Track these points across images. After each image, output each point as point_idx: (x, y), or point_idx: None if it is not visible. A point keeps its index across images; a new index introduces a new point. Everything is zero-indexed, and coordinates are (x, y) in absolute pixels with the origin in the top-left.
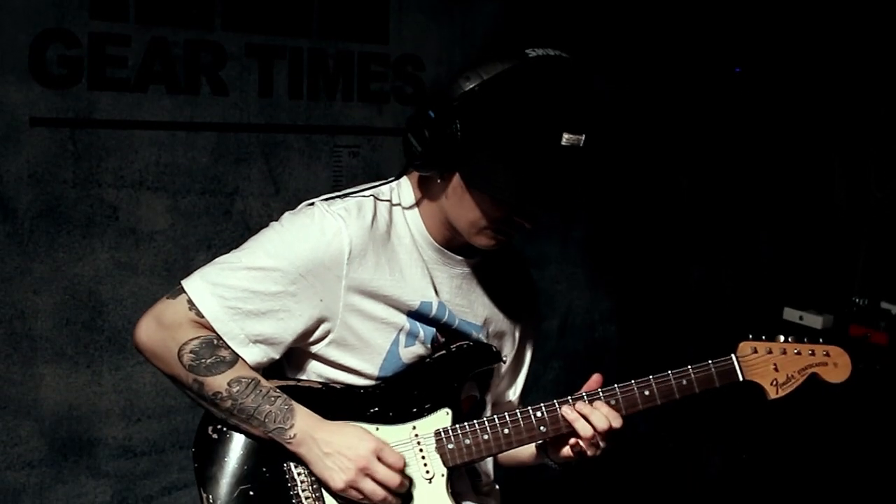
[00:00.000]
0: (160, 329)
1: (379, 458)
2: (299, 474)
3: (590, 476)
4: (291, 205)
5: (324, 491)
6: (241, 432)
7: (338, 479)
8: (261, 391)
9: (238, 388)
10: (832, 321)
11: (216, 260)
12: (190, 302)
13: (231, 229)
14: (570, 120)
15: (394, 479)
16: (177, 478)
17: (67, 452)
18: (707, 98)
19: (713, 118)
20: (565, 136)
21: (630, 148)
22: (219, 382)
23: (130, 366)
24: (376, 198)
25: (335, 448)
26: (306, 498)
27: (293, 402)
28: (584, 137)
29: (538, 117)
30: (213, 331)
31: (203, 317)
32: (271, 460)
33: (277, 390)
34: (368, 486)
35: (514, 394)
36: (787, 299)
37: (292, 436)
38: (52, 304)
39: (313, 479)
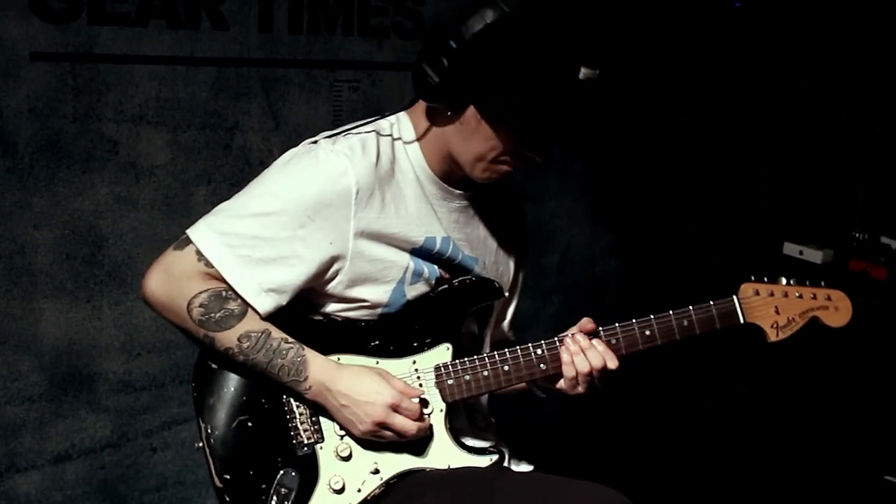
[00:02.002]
0: (169, 282)
1: (396, 410)
2: (297, 406)
3: (587, 412)
4: (291, 139)
5: (322, 424)
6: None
7: (356, 431)
8: (271, 345)
9: (248, 343)
10: (832, 256)
11: (220, 207)
12: (198, 253)
13: (231, 164)
14: (588, 55)
15: (410, 428)
16: (177, 412)
17: (67, 387)
18: (707, 33)
19: (714, 53)
20: (583, 70)
21: (632, 83)
22: (229, 338)
23: (130, 300)
24: (378, 133)
25: (352, 401)
26: (304, 430)
27: (306, 353)
28: (598, 72)
29: (559, 51)
30: (223, 281)
31: (212, 267)
32: (270, 392)
33: (289, 340)
34: (387, 434)
35: (506, 324)
36: (787, 234)
37: (307, 387)
38: (51, 238)
39: (312, 412)
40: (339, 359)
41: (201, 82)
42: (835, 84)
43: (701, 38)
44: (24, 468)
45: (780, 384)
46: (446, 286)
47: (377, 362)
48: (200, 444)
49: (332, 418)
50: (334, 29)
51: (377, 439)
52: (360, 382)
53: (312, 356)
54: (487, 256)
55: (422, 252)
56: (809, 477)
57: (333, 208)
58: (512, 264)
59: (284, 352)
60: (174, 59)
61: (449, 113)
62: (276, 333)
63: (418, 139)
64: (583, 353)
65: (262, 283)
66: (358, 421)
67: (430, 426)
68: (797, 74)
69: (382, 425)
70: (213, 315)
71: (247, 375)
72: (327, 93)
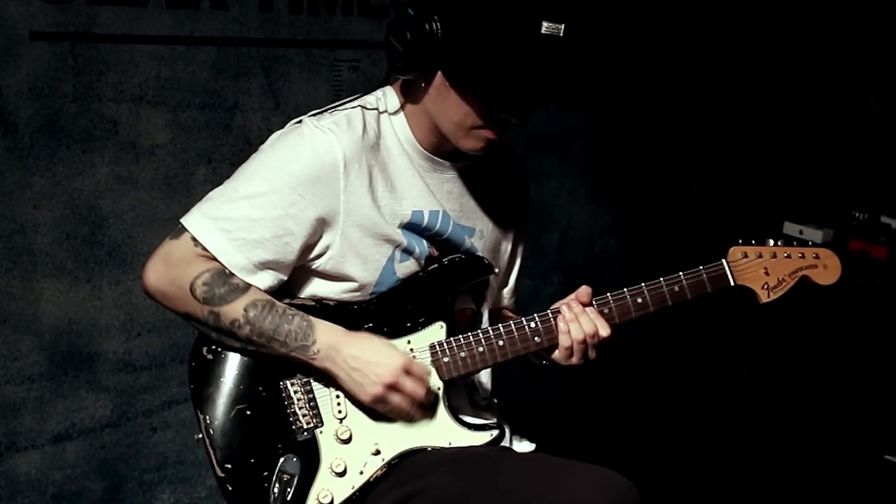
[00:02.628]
0: (168, 269)
1: (407, 373)
2: (295, 392)
3: (589, 390)
4: (291, 119)
5: (321, 409)
6: (261, 356)
7: (364, 395)
8: (277, 311)
9: (254, 312)
10: (832, 235)
11: (211, 194)
12: (194, 239)
13: (231, 143)
14: (549, 8)
15: (420, 391)
16: (177, 392)
17: (67, 367)
18: (706, 11)
19: (713, 32)
20: (544, 24)
21: (632, 64)
22: (235, 310)
23: (130, 280)
24: (363, 108)
25: (362, 364)
26: (303, 416)
27: (311, 318)
28: (563, 27)
29: (516, 6)
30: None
31: (208, 251)
32: (267, 379)
33: (292, 308)
34: (396, 399)
35: (508, 291)
36: (787, 213)
37: (316, 351)
38: (52, 218)
39: (310, 396)
40: None
41: (201, 62)
42: (835, 62)
43: (700, 17)
44: (24, 448)
45: (780, 364)
46: (436, 265)
47: None
48: (200, 436)
49: (338, 387)
50: (334, 9)
51: (383, 405)
52: (369, 345)
53: (317, 321)
54: (484, 226)
55: (411, 226)
56: (809, 456)
57: (322, 184)
58: (511, 234)
59: (290, 317)
60: (174, 38)
61: (423, 84)
62: (280, 303)
63: (404, 112)
64: (577, 319)
65: (257, 262)
66: (368, 384)
67: (436, 393)
68: (797, 53)
69: (393, 387)
70: (217, 291)
71: (250, 354)
72: (327, 72)
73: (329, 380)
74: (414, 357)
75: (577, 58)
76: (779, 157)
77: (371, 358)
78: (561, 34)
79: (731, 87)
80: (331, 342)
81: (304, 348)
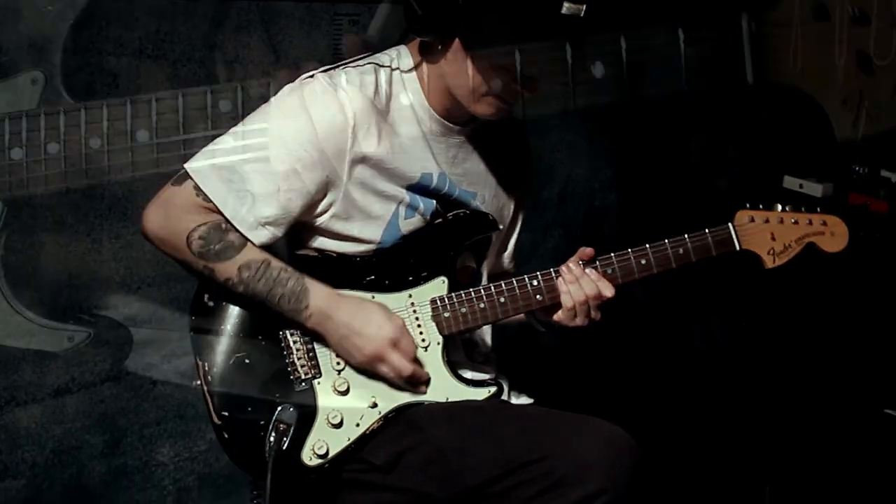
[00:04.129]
0: (168, 216)
1: (394, 346)
2: (294, 342)
3: (587, 346)
4: (290, 73)
5: (319, 360)
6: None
7: (352, 360)
8: (271, 274)
9: (248, 273)
10: (832, 189)
11: (218, 141)
12: (196, 188)
13: (231, 97)
14: None
15: (406, 368)
16: (177, 346)
17: (67, 321)
18: None
19: None
20: (566, 4)
21: (629, 16)
22: (229, 269)
23: (130, 234)
24: (377, 65)
25: (353, 331)
26: (301, 366)
27: (306, 281)
28: (584, 7)
29: None
30: (221, 215)
31: (210, 202)
32: (267, 329)
33: (289, 269)
34: (382, 369)
35: (507, 255)
36: (787, 167)
37: (308, 316)
38: None
39: (309, 347)
40: None
41: (201, 16)
42: (835, 18)
43: None
44: (24, 401)
45: (780, 319)
46: (440, 220)
47: (373, 297)
48: (198, 383)
49: (329, 348)
50: None
51: (370, 371)
52: (362, 313)
53: (313, 285)
54: (487, 191)
55: (418, 188)
56: (809, 411)
57: (330, 142)
58: (513, 197)
59: (284, 281)
60: None
61: (439, 47)
62: (276, 263)
63: (417, 73)
64: (578, 281)
65: (260, 217)
66: (357, 351)
67: (426, 371)
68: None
69: (380, 359)
70: (212, 247)
71: (246, 307)
72: (327, 26)
73: None
74: (415, 311)
75: (595, 37)
76: (779, 110)
77: (361, 329)
78: (581, 14)
79: (731, 38)
80: (323, 308)
81: (296, 311)
